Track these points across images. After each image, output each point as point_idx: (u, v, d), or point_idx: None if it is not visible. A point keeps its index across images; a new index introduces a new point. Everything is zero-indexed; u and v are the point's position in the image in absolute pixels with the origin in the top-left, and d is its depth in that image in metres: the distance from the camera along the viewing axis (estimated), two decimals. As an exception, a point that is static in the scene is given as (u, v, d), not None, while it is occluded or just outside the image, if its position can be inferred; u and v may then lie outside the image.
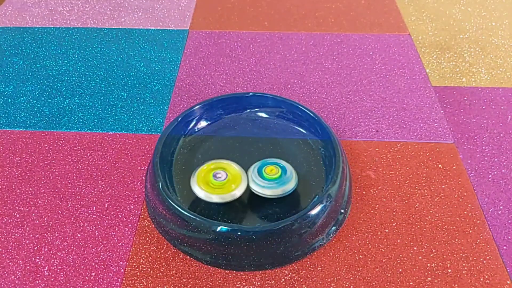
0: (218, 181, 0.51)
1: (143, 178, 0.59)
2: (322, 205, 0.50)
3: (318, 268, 0.49)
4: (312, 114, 0.61)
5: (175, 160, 0.59)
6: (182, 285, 0.48)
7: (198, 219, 0.48)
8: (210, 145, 0.62)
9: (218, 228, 0.47)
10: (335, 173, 0.52)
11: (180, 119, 0.60)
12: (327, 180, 0.55)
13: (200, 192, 0.50)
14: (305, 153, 0.60)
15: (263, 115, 0.65)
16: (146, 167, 0.60)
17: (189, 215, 0.48)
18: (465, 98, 0.72)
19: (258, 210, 0.54)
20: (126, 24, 0.89)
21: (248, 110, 0.65)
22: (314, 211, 0.49)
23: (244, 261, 0.49)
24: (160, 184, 0.51)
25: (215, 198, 0.50)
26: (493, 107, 0.71)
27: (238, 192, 0.51)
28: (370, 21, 0.91)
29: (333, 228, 0.52)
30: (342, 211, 0.53)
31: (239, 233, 0.47)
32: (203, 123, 0.64)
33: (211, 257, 0.49)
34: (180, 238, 0.50)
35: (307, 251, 0.50)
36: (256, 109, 0.65)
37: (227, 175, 0.52)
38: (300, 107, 0.62)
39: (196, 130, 0.63)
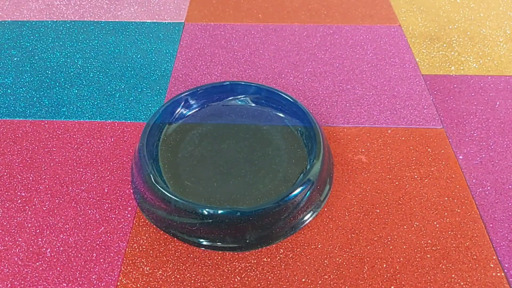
0: None
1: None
2: (306, 185, 0.52)
3: (312, 246, 0.51)
4: (292, 100, 0.63)
5: (160, 149, 0.61)
6: (181, 264, 0.49)
7: (193, 205, 0.50)
8: (194, 133, 0.63)
9: (219, 211, 0.49)
10: (316, 155, 0.55)
11: (165, 107, 0.62)
12: (309, 162, 0.57)
13: None
14: (290, 138, 0.62)
15: (246, 103, 0.67)
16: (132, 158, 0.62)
17: (186, 202, 0.50)
18: (454, 85, 0.74)
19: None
20: (123, 17, 0.91)
21: (231, 98, 0.68)
22: (299, 191, 0.51)
23: (237, 241, 0.51)
24: (152, 176, 0.53)
25: None
26: (482, 94, 0.73)
27: None
28: (361, 13, 0.92)
29: (319, 203, 0.55)
30: (326, 189, 0.56)
31: (238, 214, 0.49)
32: (187, 112, 0.66)
33: (207, 240, 0.51)
34: (174, 225, 0.52)
35: (296, 228, 0.52)
36: (239, 97, 0.67)
37: None
38: (282, 94, 0.64)
39: (180, 118, 0.65)
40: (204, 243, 0.51)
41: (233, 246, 0.51)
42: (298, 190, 0.51)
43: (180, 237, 0.52)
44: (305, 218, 0.53)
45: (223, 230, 0.50)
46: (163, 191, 0.51)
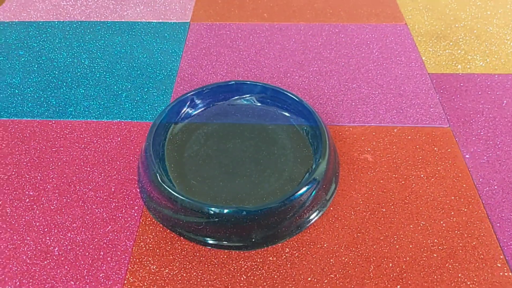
0: None
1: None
2: (312, 184, 0.52)
3: (318, 246, 0.51)
4: (297, 99, 0.63)
5: (166, 148, 0.61)
6: (188, 263, 0.50)
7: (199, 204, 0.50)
8: (200, 133, 0.64)
9: (225, 211, 0.49)
10: (321, 155, 0.55)
11: (171, 107, 0.63)
12: (315, 161, 0.57)
13: None
14: (295, 138, 0.62)
15: (252, 102, 0.67)
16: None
17: (192, 201, 0.51)
18: (461, 84, 0.74)
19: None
20: (129, 17, 0.91)
21: (236, 97, 0.68)
22: (305, 190, 0.52)
23: (243, 241, 0.51)
24: (158, 176, 0.53)
25: None
26: (489, 92, 0.72)
27: None
28: (367, 12, 0.92)
29: (325, 203, 0.55)
30: (331, 188, 0.56)
31: (243, 213, 0.49)
32: (193, 111, 0.66)
33: (213, 239, 0.52)
34: (180, 224, 0.52)
35: (301, 227, 0.53)
36: (245, 96, 0.68)
37: None
38: (287, 93, 0.64)
39: (186, 117, 0.65)
40: (210, 242, 0.51)
41: (239, 245, 0.51)
42: (304, 189, 0.51)
43: (186, 236, 0.52)
44: (311, 217, 0.53)
45: (229, 229, 0.50)
46: (170, 190, 0.51)
